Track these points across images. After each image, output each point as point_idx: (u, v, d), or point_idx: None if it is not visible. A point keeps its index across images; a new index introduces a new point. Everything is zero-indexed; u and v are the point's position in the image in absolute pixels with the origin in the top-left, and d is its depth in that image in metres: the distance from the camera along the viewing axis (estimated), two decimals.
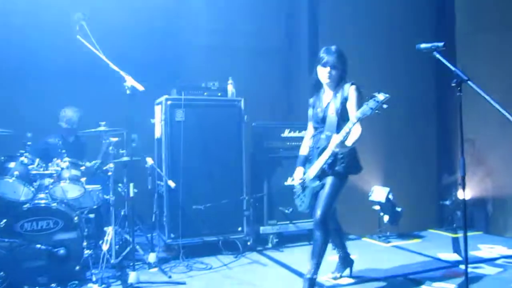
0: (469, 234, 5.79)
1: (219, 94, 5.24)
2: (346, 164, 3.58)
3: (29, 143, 4.13)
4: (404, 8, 6.81)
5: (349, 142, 3.42)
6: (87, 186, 4.42)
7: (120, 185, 4.82)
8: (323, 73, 3.61)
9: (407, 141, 6.67)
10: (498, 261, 4.67)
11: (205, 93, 5.18)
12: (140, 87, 3.89)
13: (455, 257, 4.85)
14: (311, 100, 3.84)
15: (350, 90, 3.55)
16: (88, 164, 4.82)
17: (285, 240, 5.41)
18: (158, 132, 5.24)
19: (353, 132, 3.41)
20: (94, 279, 3.96)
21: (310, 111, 3.85)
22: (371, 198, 5.80)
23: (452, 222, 6.28)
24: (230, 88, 5.29)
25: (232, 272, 4.42)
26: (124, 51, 5.57)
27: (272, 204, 5.36)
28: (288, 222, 5.40)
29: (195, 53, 6.37)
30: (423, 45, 2.94)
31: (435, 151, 6.99)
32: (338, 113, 3.55)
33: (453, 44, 6.32)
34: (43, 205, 3.99)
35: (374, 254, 5.09)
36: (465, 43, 6.26)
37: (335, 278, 4.05)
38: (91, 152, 5.21)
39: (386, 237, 5.69)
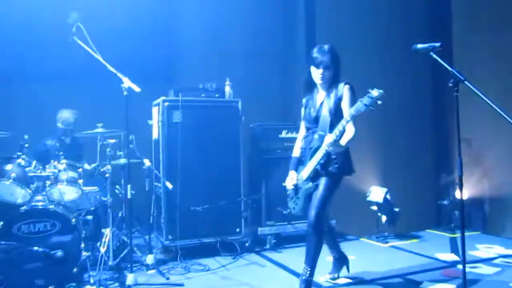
0: (466, 234, 5.79)
1: (217, 95, 5.24)
2: (339, 165, 3.54)
3: (26, 145, 4.12)
4: (401, 9, 6.83)
5: (343, 142, 3.38)
6: (84, 188, 4.41)
7: (117, 186, 4.82)
8: (316, 74, 3.56)
9: (405, 141, 6.69)
10: (496, 261, 4.68)
11: (203, 95, 5.18)
12: (137, 89, 3.89)
13: (453, 257, 4.86)
14: (303, 100, 3.80)
15: (344, 90, 3.51)
16: (87, 166, 4.82)
17: (283, 241, 5.41)
18: (156, 133, 5.24)
19: (347, 131, 3.37)
20: (92, 281, 3.95)
21: (303, 111, 3.81)
22: (369, 199, 5.80)
23: (450, 222, 6.29)
24: (228, 89, 5.29)
25: (230, 273, 4.41)
26: (121, 52, 5.57)
27: (270, 205, 5.36)
28: (286, 223, 5.40)
29: (193, 54, 6.37)
30: (419, 46, 2.94)
31: (433, 151, 7.01)
32: (331, 113, 3.50)
33: (450, 44, 6.34)
34: (40, 207, 3.97)
35: (372, 254, 5.09)
36: (462, 44, 6.28)
37: (333, 279, 4.05)
38: (88, 153, 5.21)
39: (384, 238, 5.69)
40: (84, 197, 4.48)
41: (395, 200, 5.73)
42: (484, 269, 4.39)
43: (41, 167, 4.19)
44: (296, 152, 3.85)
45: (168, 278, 4.19)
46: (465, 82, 2.67)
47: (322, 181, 3.53)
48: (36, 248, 3.79)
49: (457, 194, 6.02)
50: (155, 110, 5.27)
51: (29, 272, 3.79)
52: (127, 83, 3.89)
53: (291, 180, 3.75)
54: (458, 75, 2.70)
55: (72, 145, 5.15)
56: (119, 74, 3.93)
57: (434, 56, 2.85)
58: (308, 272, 3.52)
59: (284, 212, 5.18)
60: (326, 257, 4.07)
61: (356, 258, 4.87)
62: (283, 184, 3.85)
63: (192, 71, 6.18)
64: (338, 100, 3.52)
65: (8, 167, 3.96)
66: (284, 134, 5.49)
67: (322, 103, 3.61)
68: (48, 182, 4.17)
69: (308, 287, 3.54)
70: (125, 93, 3.90)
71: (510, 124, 2.53)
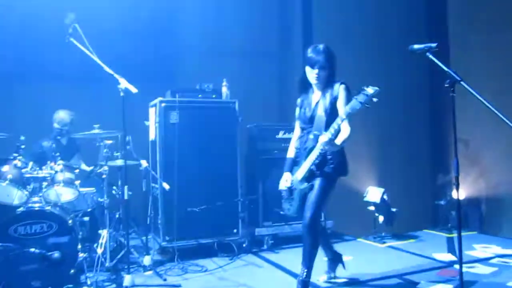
0: (463, 234, 5.80)
1: (214, 96, 5.24)
2: (335, 165, 3.51)
3: (22, 146, 4.10)
4: (398, 9, 6.86)
5: (338, 141, 3.34)
6: (81, 189, 4.40)
7: (114, 187, 4.81)
8: (311, 74, 3.53)
9: (402, 141, 6.72)
10: (493, 261, 4.69)
11: (200, 95, 5.18)
12: (134, 90, 3.88)
13: (450, 257, 4.86)
14: (298, 100, 3.76)
15: (340, 89, 3.48)
16: (84, 167, 4.80)
17: (280, 242, 5.41)
18: (153, 134, 5.23)
19: (342, 131, 3.34)
20: (88, 282, 3.94)
21: (297, 111, 3.77)
22: (366, 199, 5.81)
23: (447, 222, 6.31)
24: (225, 90, 5.29)
25: (227, 274, 4.41)
26: (118, 53, 5.56)
27: (267, 205, 5.36)
28: (283, 223, 5.40)
29: (190, 55, 6.36)
30: (416, 46, 2.94)
31: (430, 152, 7.04)
32: (327, 113, 3.47)
33: (446, 45, 6.36)
34: (37, 208, 3.95)
35: (369, 254, 5.10)
36: (459, 44, 6.31)
37: (329, 278, 4.04)
38: (85, 155, 5.20)
39: (381, 238, 5.69)
40: (81, 198, 4.46)
41: (392, 200, 5.74)
42: (481, 269, 4.40)
43: (37, 168, 4.18)
44: (290, 153, 3.82)
45: (165, 279, 4.18)
46: (461, 82, 2.67)
47: (318, 182, 3.49)
48: (32, 249, 3.77)
49: (454, 194, 6.04)
50: (152, 111, 5.27)
51: (25, 273, 3.77)
52: (123, 84, 3.89)
53: (285, 181, 3.71)
54: (455, 75, 2.70)
55: (69, 146, 5.13)
56: (115, 75, 3.92)
57: (431, 56, 2.86)
58: (305, 273, 3.51)
59: (282, 212, 5.19)
60: (323, 258, 4.07)
61: (353, 258, 4.88)
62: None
63: (189, 72, 6.17)
64: (334, 100, 3.49)
65: (5, 168, 3.94)
66: (281, 135, 5.50)
67: (317, 103, 3.57)
68: (44, 183, 4.15)
69: None
70: (121, 94, 3.89)
71: (506, 124, 2.53)
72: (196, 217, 4.87)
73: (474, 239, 5.65)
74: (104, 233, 4.35)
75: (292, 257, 4.85)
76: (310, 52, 3.52)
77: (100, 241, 4.34)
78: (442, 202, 6.45)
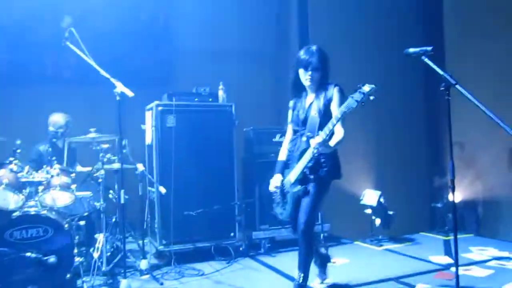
0: (460, 236, 5.88)
1: (210, 99, 5.24)
2: (328, 168, 3.45)
3: (18, 150, 4.09)
4: (394, 12, 6.88)
5: (332, 143, 3.28)
6: (77, 193, 4.39)
7: (111, 191, 4.79)
8: (304, 76, 3.48)
9: (398, 144, 6.73)
10: (489, 263, 4.70)
11: (196, 99, 5.18)
12: (130, 93, 3.88)
13: (446, 259, 4.87)
14: (291, 103, 3.71)
15: (334, 92, 3.43)
16: (80, 168, 4.79)
17: (277, 245, 5.40)
18: (149, 138, 5.22)
19: (336, 133, 3.29)
20: (85, 287, 3.94)
21: (290, 114, 3.72)
22: (362, 202, 5.81)
23: (443, 224, 6.30)
24: (221, 93, 5.30)
25: (224, 278, 4.40)
26: (115, 56, 5.59)
27: (264, 209, 5.34)
28: (280, 227, 5.39)
29: (186, 59, 6.37)
30: (411, 50, 2.95)
31: (426, 154, 7.06)
32: (320, 114, 3.41)
33: (442, 49, 6.38)
34: (32, 213, 3.95)
35: (366, 257, 5.10)
36: (454, 48, 6.33)
37: (323, 281, 3.97)
38: (81, 158, 5.20)
39: (378, 241, 5.69)
40: (77, 202, 4.46)
41: (389, 203, 5.75)
42: (477, 272, 4.40)
43: (34, 172, 4.17)
44: (282, 156, 3.74)
45: (162, 283, 4.18)
46: (457, 86, 2.68)
47: (312, 187, 3.44)
48: (28, 254, 3.76)
49: (450, 197, 6.05)
50: (148, 115, 5.26)
51: (21, 278, 3.75)
52: (120, 88, 3.88)
53: (275, 182, 3.63)
54: (450, 79, 2.71)
55: (65, 149, 5.11)
56: (112, 79, 3.92)
57: (426, 60, 2.87)
58: (302, 278, 3.50)
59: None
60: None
61: (350, 261, 4.89)
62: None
63: (185, 75, 6.18)
64: (328, 102, 3.44)
65: (1, 172, 3.94)
66: (278, 138, 5.48)
67: (310, 105, 3.52)
68: (40, 188, 4.15)
69: None
70: (118, 98, 3.89)
71: (501, 127, 2.54)
72: (193, 221, 4.87)
73: (471, 241, 5.66)
74: (100, 237, 4.33)
75: (289, 261, 4.84)
76: (302, 54, 3.48)
77: (96, 245, 4.32)
78: (439, 205, 6.45)
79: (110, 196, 4.78)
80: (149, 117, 5.21)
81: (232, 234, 5.16)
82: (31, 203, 4.07)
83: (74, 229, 4.27)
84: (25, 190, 4.08)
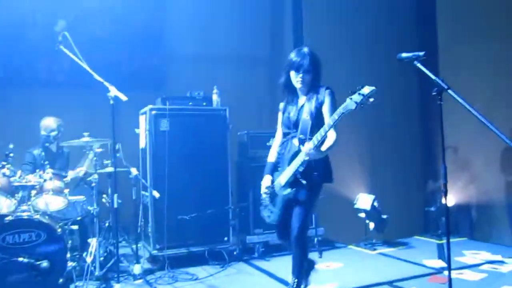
0: (454, 240, 5.90)
1: (204, 103, 5.24)
2: (319, 173, 3.39)
3: (11, 154, 4.07)
4: (387, 17, 6.92)
5: (324, 147, 3.24)
6: (70, 197, 4.37)
7: (104, 196, 4.78)
8: (296, 78, 3.44)
9: (392, 149, 6.75)
10: (482, 267, 4.72)
11: (190, 103, 5.17)
12: (124, 97, 3.88)
13: (440, 263, 4.88)
14: (281, 105, 3.65)
15: (325, 95, 3.39)
16: (71, 173, 4.77)
17: (271, 249, 5.39)
18: (143, 142, 5.21)
19: (328, 137, 3.24)
20: None
21: (280, 116, 3.67)
22: (356, 206, 5.82)
23: (437, 228, 6.32)
24: (215, 97, 5.29)
25: (218, 282, 4.39)
26: (109, 60, 5.58)
27: (258, 213, 5.29)
28: (274, 231, 5.32)
29: (180, 63, 6.36)
30: (404, 55, 2.95)
31: (420, 158, 7.08)
32: (312, 116, 3.37)
33: (436, 53, 6.42)
34: (25, 217, 3.91)
35: (360, 261, 5.10)
36: (447, 53, 6.37)
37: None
38: (74, 163, 5.17)
39: (372, 245, 5.70)
40: (70, 207, 4.44)
41: (383, 207, 5.76)
42: (470, 275, 4.42)
43: (28, 174, 4.16)
44: (271, 158, 3.68)
45: None
46: (449, 90, 2.68)
47: (304, 193, 3.38)
48: (21, 258, 3.74)
49: (444, 201, 6.07)
50: (142, 119, 5.25)
51: (14, 283, 3.73)
52: (113, 92, 3.88)
53: (266, 183, 3.58)
54: (442, 83, 2.72)
55: (58, 154, 5.10)
56: (105, 83, 3.92)
57: (418, 65, 2.87)
58: (296, 283, 3.48)
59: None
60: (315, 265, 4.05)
61: (344, 265, 4.89)
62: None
63: (179, 79, 6.17)
64: (319, 105, 3.39)
65: None
66: (272, 142, 5.47)
67: (302, 107, 3.47)
68: (33, 192, 4.13)
69: None
70: (111, 102, 3.89)
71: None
72: (187, 225, 4.86)
73: (464, 245, 5.68)
74: (93, 241, 4.31)
75: (283, 265, 4.83)
76: (294, 56, 3.45)
77: (89, 249, 4.30)
78: (432, 209, 6.47)
79: (104, 200, 4.77)
80: (143, 121, 5.20)
81: (226, 238, 5.15)
82: (24, 207, 4.03)
83: (67, 234, 4.24)
84: (18, 194, 4.06)
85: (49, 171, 4.23)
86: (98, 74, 3.98)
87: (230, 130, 5.24)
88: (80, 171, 4.76)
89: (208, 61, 6.42)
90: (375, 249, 5.59)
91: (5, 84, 5.59)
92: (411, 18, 7.18)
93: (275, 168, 3.60)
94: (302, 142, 3.34)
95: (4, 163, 3.99)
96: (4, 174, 3.96)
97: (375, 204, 5.67)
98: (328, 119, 3.27)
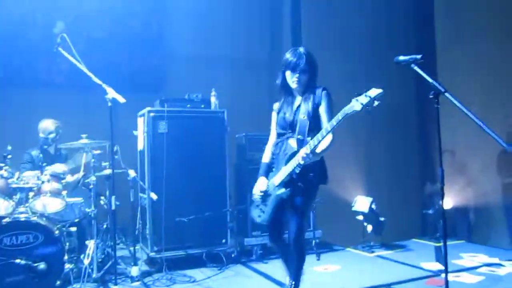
0: (451, 243, 5.91)
1: (202, 106, 5.25)
2: (315, 174, 3.36)
3: (9, 156, 4.07)
4: (385, 18, 6.93)
5: (319, 149, 3.19)
6: (68, 199, 4.37)
7: (102, 198, 4.78)
8: (292, 78, 3.40)
9: (390, 151, 6.76)
10: (480, 270, 4.72)
11: (188, 105, 5.18)
12: (122, 99, 3.88)
13: (438, 266, 4.88)
14: (276, 105, 3.61)
15: (322, 96, 3.36)
16: (70, 178, 4.76)
17: (269, 252, 5.37)
18: (141, 144, 5.21)
19: (324, 139, 3.17)
20: None
21: (275, 116, 3.61)
22: (354, 208, 5.82)
23: (435, 231, 6.32)
24: (213, 99, 5.30)
25: (216, 285, 4.39)
26: (107, 62, 5.58)
27: None
28: None
29: (178, 65, 6.37)
30: (401, 58, 2.96)
31: (417, 161, 7.09)
32: (309, 116, 3.33)
33: (434, 55, 6.43)
34: (23, 219, 3.92)
35: (358, 264, 5.10)
36: (445, 56, 6.38)
37: None
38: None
39: (370, 247, 5.70)
40: (68, 209, 4.43)
41: (381, 209, 5.76)
42: (467, 278, 4.42)
43: (26, 172, 4.17)
44: (265, 159, 3.62)
45: None
46: (446, 93, 2.69)
47: (299, 194, 3.34)
48: (18, 260, 3.74)
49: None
50: (140, 121, 5.26)
51: (11, 285, 3.73)
52: (111, 94, 3.89)
53: (260, 186, 3.52)
54: (439, 86, 2.73)
55: (56, 156, 5.09)
56: (103, 85, 3.92)
57: (415, 68, 2.88)
58: (293, 285, 3.48)
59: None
60: (313, 268, 4.07)
61: (342, 268, 4.89)
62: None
63: (177, 81, 6.18)
64: (316, 106, 3.36)
65: None
66: None
67: (298, 107, 3.43)
68: (31, 194, 4.13)
69: None
70: (109, 104, 3.89)
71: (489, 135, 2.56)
72: (185, 227, 4.85)
73: (462, 248, 5.69)
74: (91, 243, 4.30)
75: (281, 267, 4.83)
76: (290, 56, 3.41)
77: (87, 251, 4.29)
78: (430, 211, 6.47)
79: (101, 202, 4.77)
80: (141, 123, 5.20)
81: (224, 240, 5.15)
82: (21, 209, 4.04)
83: (64, 236, 4.24)
84: (16, 196, 4.06)
85: (47, 173, 4.23)
86: (96, 75, 3.98)
87: (228, 132, 5.24)
88: (78, 176, 4.76)
89: (206, 64, 6.43)
90: (373, 252, 5.59)
91: (5, 84, 5.60)
92: (409, 20, 7.20)
93: (270, 169, 3.56)
94: (300, 142, 3.31)
95: (1, 164, 3.99)
96: (1, 176, 3.96)
97: (373, 206, 5.68)
98: (325, 121, 3.26)
